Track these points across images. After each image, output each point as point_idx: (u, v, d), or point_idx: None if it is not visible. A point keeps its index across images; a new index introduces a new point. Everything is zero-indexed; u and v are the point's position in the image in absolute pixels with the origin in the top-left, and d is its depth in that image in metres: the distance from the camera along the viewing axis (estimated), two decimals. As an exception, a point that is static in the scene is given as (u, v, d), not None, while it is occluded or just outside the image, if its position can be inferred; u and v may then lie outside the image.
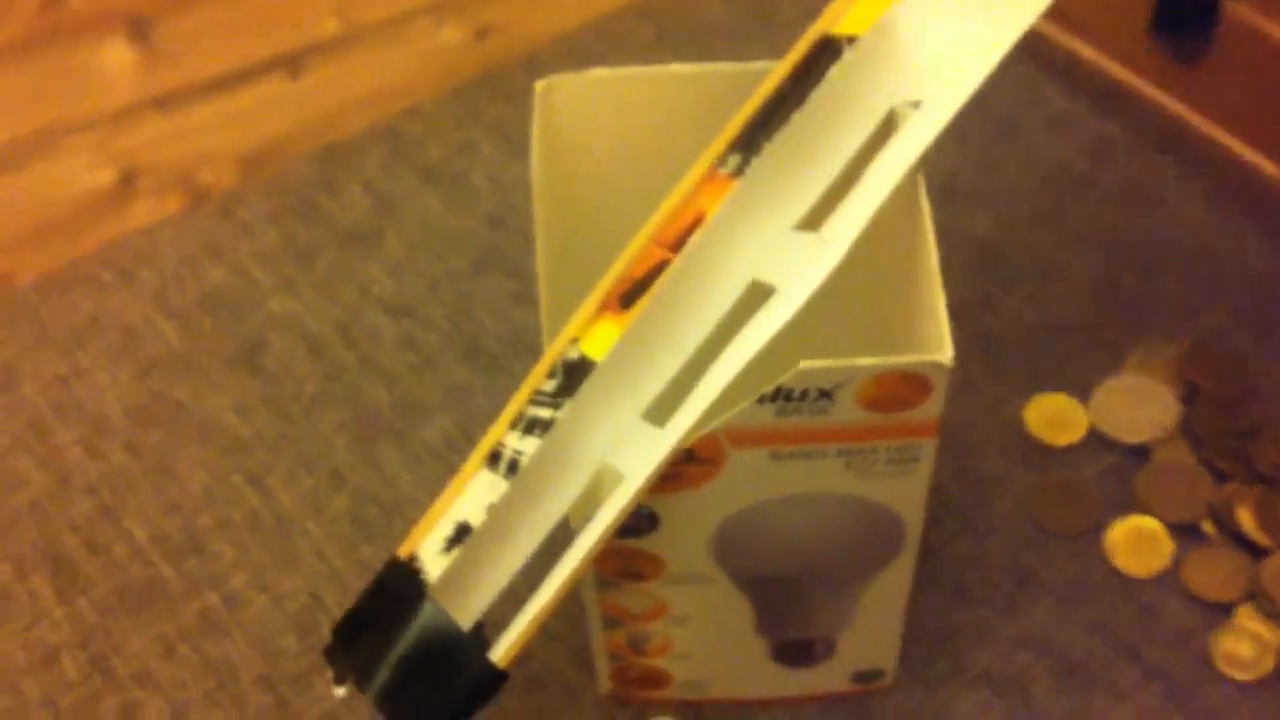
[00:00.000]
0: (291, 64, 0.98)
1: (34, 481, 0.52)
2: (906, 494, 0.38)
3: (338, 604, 0.49)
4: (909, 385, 0.34)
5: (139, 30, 1.00)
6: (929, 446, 0.36)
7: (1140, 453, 0.51)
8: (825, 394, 0.34)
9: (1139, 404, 0.51)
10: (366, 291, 0.57)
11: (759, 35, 0.66)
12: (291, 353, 0.55)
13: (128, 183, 0.91)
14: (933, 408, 0.35)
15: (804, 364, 0.33)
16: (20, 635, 0.48)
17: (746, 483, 0.37)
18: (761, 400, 0.34)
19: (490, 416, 0.53)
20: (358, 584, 0.49)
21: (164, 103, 0.95)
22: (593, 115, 0.41)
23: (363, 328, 0.56)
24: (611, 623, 0.42)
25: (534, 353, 0.55)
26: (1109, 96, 0.62)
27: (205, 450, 0.53)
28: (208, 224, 0.60)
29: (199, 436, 0.53)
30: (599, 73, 0.40)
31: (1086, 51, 0.62)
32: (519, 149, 0.62)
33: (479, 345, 0.55)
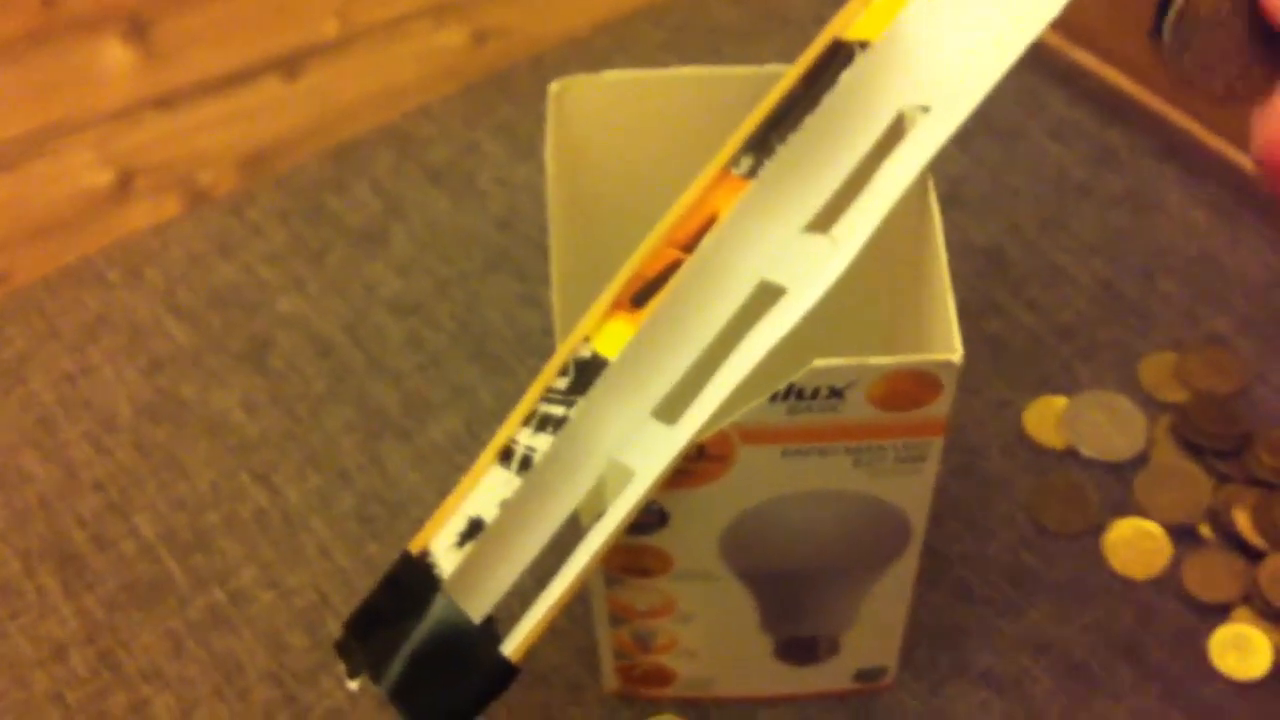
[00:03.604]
0: (290, 65, 0.99)
1: (42, 477, 0.53)
2: (913, 492, 0.38)
3: (344, 601, 0.49)
4: (919, 384, 0.34)
5: (137, 30, 1.00)
6: (936, 445, 0.36)
7: (1139, 456, 0.52)
8: (836, 392, 0.34)
9: (1110, 423, 0.52)
10: (374, 291, 0.58)
11: (768, 37, 0.66)
12: (299, 351, 0.56)
13: (125, 183, 0.91)
14: (941, 406, 0.35)
15: (817, 362, 0.34)
16: (28, 630, 0.49)
17: (756, 480, 0.37)
18: (773, 398, 0.34)
19: (496, 416, 0.54)
20: (364, 582, 0.50)
21: (162, 103, 0.95)
22: (606, 117, 0.41)
23: (370, 327, 0.56)
24: (618, 620, 0.43)
25: (540, 353, 0.55)
26: (1110, 104, 0.62)
27: (213, 448, 0.53)
28: (217, 223, 0.60)
29: (207, 434, 0.53)
30: (612, 74, 0.41)
31: (1088, 60, 0.63)
32: (526, 150, 0.62)
33: (485, 345, 0.56)
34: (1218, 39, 0.32)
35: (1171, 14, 0.32)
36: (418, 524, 0.51)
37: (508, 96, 0.65)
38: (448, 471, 0.52)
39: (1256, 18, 0.32)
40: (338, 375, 0.55)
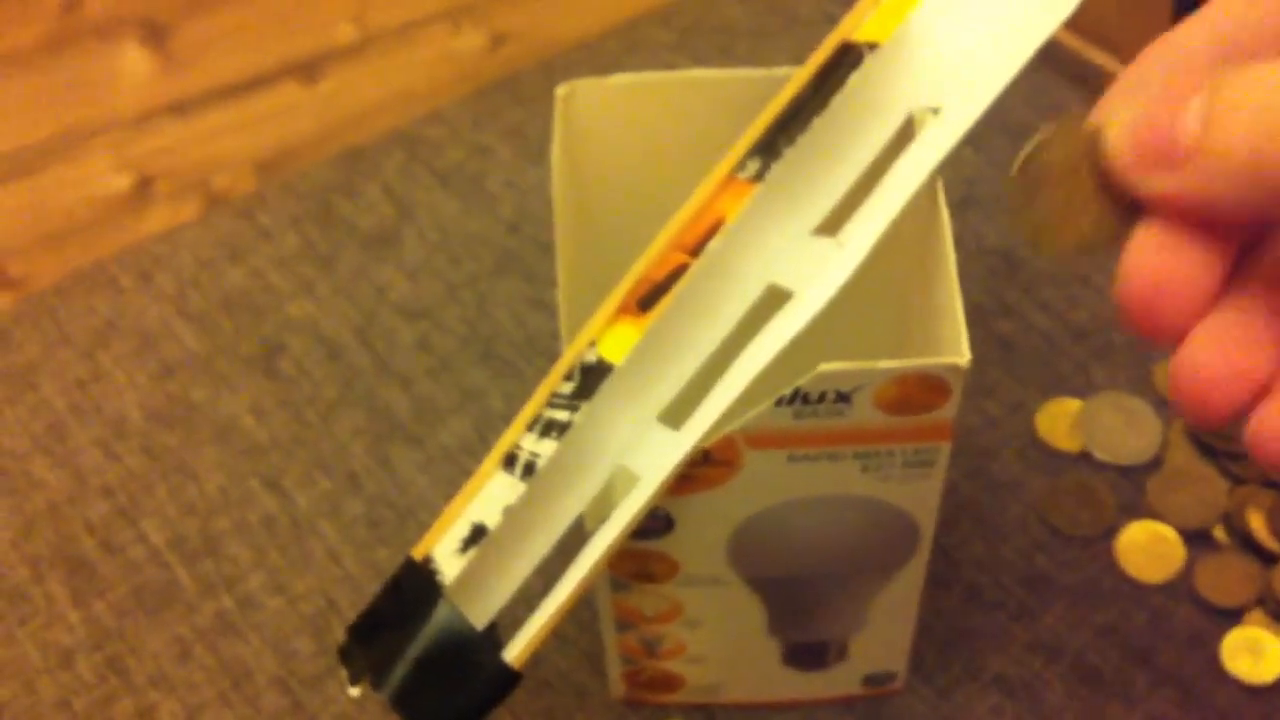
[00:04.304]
0: (308, 70, 0.99)
1: (51, 483, 0.53)
2: (921, 497, 0.38)
3: (352, 606, 0.49)
4: (926, 388, 0.34)
5: (155, 36, 1.00)
6: (944, 450, 0.36)
7: (1153, 459, 0.51)
8: (843, 396, 0.34)
9: (1125, 426, 0.52)
10: (384, 295, 0.57)
11: (778, 37, 0.66)
12: (309, 356, 0.56)
13: (145, 188, 0.92)
14: (949, 410, 0.35)
15: (823, 367, 0.33)
16: (36, 636, 0.49)
17: (763, 485, 0.37)
18: (779, 403, 0.34)
19: (505, 419, 0.53)
20: (372, 586, 0.49)
21: (180, 108, 0.96)
22: (613, 120, 0.41)
23: (380, 331, 0.56)
24: (624, 625, 0.42)
25: (549, 356, 0.55)
26: (1123, 104, 0.62)
27: (222, 452, 0.53)
28: (226, 227, 0.60)
29: (216, 439, 0.53)
30: (620, 78, 0.40)
31: (1102, 59, 0.62)
32: (535, 154, 0.62)
33: (495, 349, 0.56)
34: (1067, 191, 0.31)
35: (1018, 165, 0.31)
36: (426, 529, 0.51)
37: (518, 99, 0.64)
38: (457, 476, 0.52)
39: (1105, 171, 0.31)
40: (347, 379, 0.55)
